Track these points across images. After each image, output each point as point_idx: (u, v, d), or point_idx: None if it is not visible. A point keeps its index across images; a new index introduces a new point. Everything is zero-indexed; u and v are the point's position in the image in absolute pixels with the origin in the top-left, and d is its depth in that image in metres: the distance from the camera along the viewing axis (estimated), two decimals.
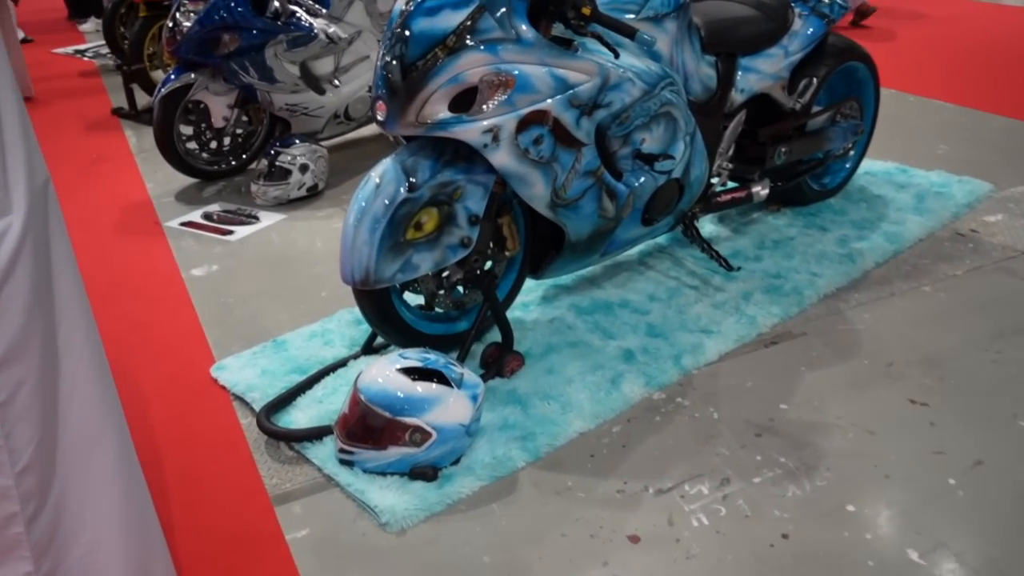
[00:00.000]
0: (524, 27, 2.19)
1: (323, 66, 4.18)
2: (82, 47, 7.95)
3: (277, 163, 3.92)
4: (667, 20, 2.59)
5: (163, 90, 3.98)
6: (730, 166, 3.05)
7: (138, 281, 3.34)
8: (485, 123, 2.19)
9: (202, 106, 4.11)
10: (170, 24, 3.94)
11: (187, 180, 4.31)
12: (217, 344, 2.84)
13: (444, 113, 2.19)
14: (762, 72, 3.00)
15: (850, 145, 3.49)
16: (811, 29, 3.12)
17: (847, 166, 3.58)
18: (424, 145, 2.33)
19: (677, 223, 2.95)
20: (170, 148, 4.07)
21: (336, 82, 4.24)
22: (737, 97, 2.95)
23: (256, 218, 3.85)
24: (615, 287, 2.99)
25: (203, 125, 4.17)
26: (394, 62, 2.19)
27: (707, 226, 3.39)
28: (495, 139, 2.21)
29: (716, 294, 2.91)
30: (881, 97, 3.64)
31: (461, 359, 2.47)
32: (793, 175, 3.33)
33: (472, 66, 2.17)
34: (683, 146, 2.66)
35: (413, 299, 2.63)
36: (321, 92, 4.20)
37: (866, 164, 3.90)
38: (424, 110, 2.18)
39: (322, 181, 4.03)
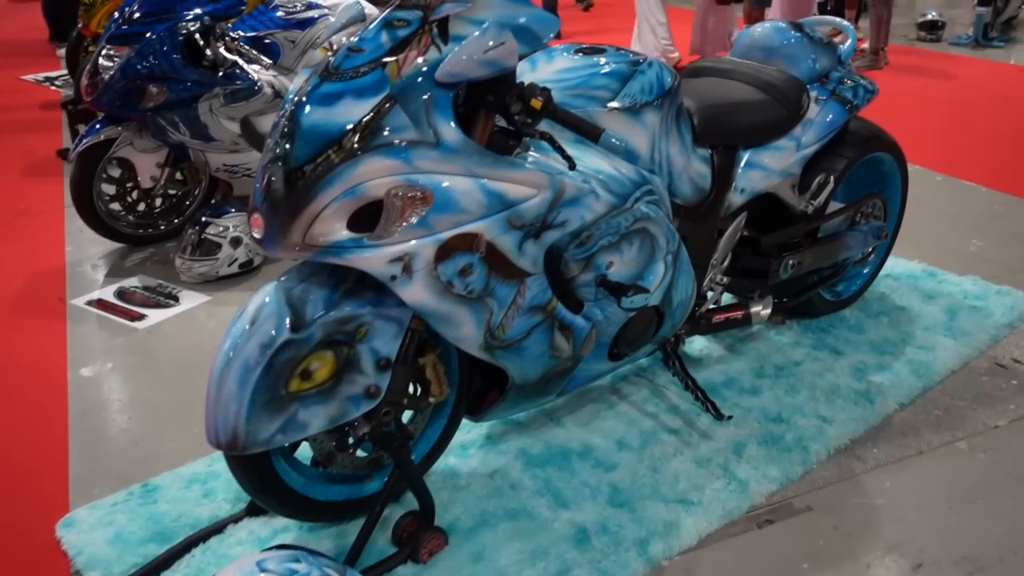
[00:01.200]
0: (448, 126, 1.65)
1: (268, 123, 3.65)
2: (53, 74, 7.49)
3: (205, 235, 3.38)
4: (648, 110, 2.05)
5: (81, 144, 3.46)
6: (726, 280, 2.50)
7: (13, 378, 2.80)
8: (392, 250, 1.65)
9: (128, 163, 3.60)
10: (89, 69, 3.43)
11: (112, 244, 3.78)
12: (78, 482, 2.28)
13: (340, 234, 1.66)
14: (768, 168, 2.46)
15: (871, 249, 2.93)
16: (830, 117, 2.58)
17: (866, 272, 3.03)
18: (318, 269, 1.79)
19: (656, 350, 2.40)
20: (88, 209, 3.56)
21: None
22: (736, 198, 2.41)
23: (175, 299, 3.31)
24: (577, 425, 2.43)
25: (128, 185, 3.66)
26: (277, 164, 1.65)
27: (696, 342, 2.83)
28: (406, 270, 1.67)
29: (701, 444, 2.35)
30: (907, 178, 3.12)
31: (364, 536, 1.91)
32: (803, 288, 2.77)
33: (376, 175, 1.63)
34: (662, 268, 2.11)
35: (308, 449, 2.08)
36: None
37: (888, 263, 3.34)
38: (313, 229, 1.64)
39: (258, 256, 3.50)
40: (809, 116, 2.55)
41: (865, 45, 6.76)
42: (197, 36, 3.34)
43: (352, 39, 1.75)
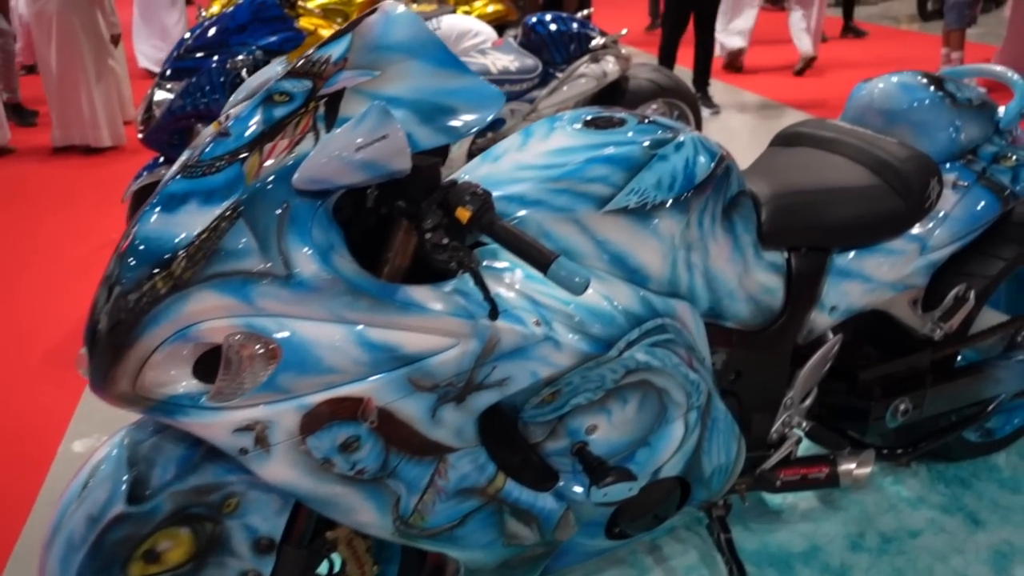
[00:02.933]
0: (303, 254, 1.16)
1: None
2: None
3: None
4: (666, 212, 1.46)
5: (135, 184, 3.24)
6: (806, 426, 1.84)
7: (10, 430, 2.57)
8: (237, 416, 1.18)
9: None
10: (144, 106, 3.20)
11: None
12: None
13: (177, 386, 1.21)
14: (874, 279, 1.79)
15: None
16: (975, 210, 1.86)
17: None
18: None
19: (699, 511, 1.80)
20: None
21: None
22: (823, 319, 1.76)
23: None
24: None
25: None
26: (104, 288, 1.23)
27: None
28: (260, 442, 1.20)
29: None
30: None
31: None
32: (929, 434, 2.05)
33: (208, 316, 1.17)
34: (679, 431, 1.51)
35: None
36: None
37: None
38: (144, 377, 1.20)
39: None
40: (942, 208, 1.84)
41: None
42: (244, 72, 3.03)
43: (228, 117, 1.30)
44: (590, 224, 1.42)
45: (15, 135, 5.68)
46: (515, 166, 1.48)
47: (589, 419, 1.41)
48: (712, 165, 1.52)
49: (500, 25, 5.10)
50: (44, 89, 5.37)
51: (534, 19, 3.77)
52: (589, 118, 1.57)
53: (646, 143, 1.48)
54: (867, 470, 1.86)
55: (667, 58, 5.78)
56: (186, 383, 1.22)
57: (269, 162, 1.18)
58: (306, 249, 1.14)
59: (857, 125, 1.95)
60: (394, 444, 1.25)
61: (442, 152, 1.44)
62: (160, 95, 3.17)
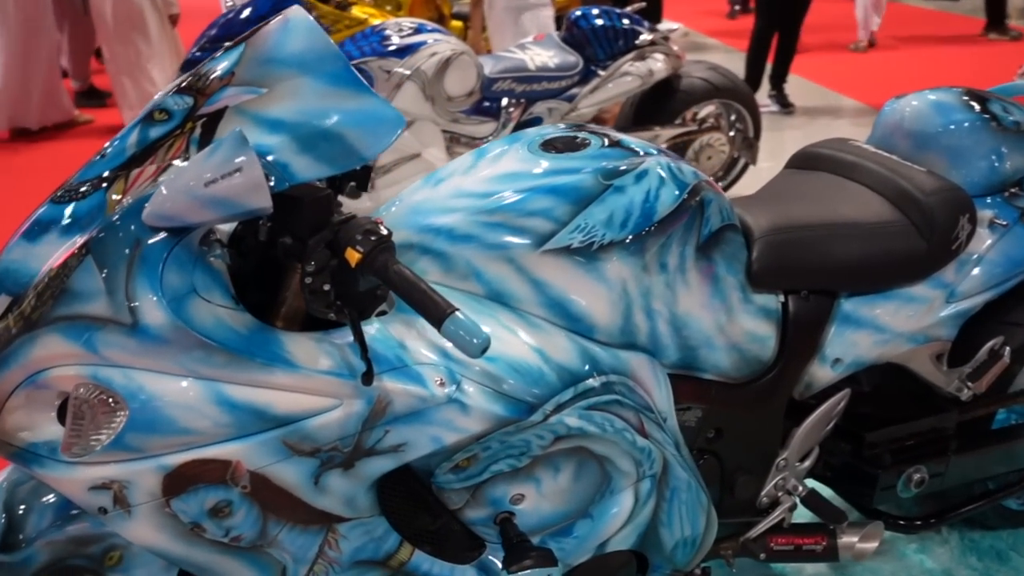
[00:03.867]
0: (151, 300, 1.01)
1: None
2: None
3: None
4: (617, 253, 1.27)
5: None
6: (802, 489, 1.62)
7: None
8: (91, 473, 1.06)
9: None
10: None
11: None
12: None
13: (39, 431, 1.09)
14: (888, 329, 1.55)
15: None
16: (1016, 253, 1.60)
17: None
18: None
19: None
20: None
21: (372, 185, 3.22)
22: (823, 373, 1.54)
23: None
24: None
25: None
26: None
27: None
28: (119, 502, 1.07)
29: None
30: None
31: None
32: (959, 504, 1.80)
33: (55, 361, 1.04)
34: (629, 502, 1.32)
35: None
36: (353, 196, 3.20)
37: None
38: (4, 421, 1.09)
39: None
40: (975, 250, 1.59)
41: None
42: None
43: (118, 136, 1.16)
44: (527, 264, 1.24)
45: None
46: (453, 192, 1.31)
47: (514, 487, 1.23)
48: (680, 197, 1.31)
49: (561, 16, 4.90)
50: (108, 71, 5.43)
51: (579, 13, 3.56)
52: (549, 138, 1.38)
53: (601, 172, 1.29)
54: (872, 545, 1.62)
55: (759, 51, 5.39)
56: (47, 430, 1.09)
57: (131, 191, 1.04)
58: (153, 295, 1.00)
59: (884, 148, 1.70)
60: (271, 511, 1.11)
61: (361, 178, 1.29)
62: None
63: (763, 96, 5.34)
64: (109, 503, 1.07)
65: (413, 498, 1.22)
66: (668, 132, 3.69)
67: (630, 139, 1.40)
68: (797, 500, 1.61)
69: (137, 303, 1.00)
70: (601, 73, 3.48)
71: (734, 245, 1.41)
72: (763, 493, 1.59)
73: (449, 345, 1.15)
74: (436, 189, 1.34)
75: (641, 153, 1.35)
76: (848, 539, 1.62)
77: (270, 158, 1.02)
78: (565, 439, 1.22)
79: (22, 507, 1.21)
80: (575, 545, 1.31)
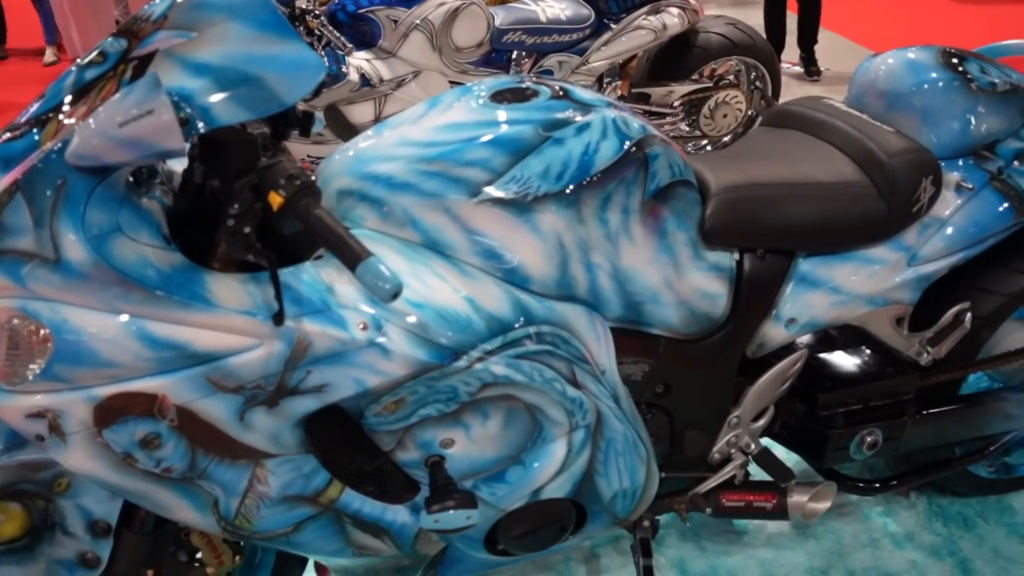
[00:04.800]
0: (71, 238, 1.05)
1: (361, 113, 3.20)
2: None
3: None
4: (551, 204, 1.27)
5: None
6: (754, 446, 1.62)
7: None
8: (26, 401, 1.11)
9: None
10: None
11: None
12: None
13: None
14: (845, 291, 1.54)
15: None
16: (982, 217, 1.57)
17: None
18: None
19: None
20: None
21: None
22: (778, 333, 1.53)
23: None
24: None
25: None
26: None
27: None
28: (55, 430, 1.12)
29: None
30: None
31: None
32: (922, 469, 1.79)
33: None
34: (562, 451, 1.34)
35: None
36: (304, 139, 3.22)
37: None
38: None
39: None
40: (939, 213, 1.56)
41: None
42: None
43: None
44: (462, 213, 1.25)
45: None
46: (398, 141, 1.32)
47: (443, 432, 1.26)
48: (620, 151, 1.31)
49: None
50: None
51: None
52: (499, 90, 1.38)
53: (542, 123, 1.29)
54: (823, 505, 1.63)
55: (774, 9, 5.16)
56: None
57: (61, 132, 1.08)
58: (75, 232, 1.04)
59: (858, 107, 1.67)
60: (200, 445, 1.15)
61: (303, 123, 1.31)
62: None
63: (794, 54, 5.18)
64: (45, 431, 1.12)
65: (346, 439, 1.26)
66: (683, 88, 3.64)
67: (581, 92, 1.40)
68: (747, 458, 1.63)
69: (60, 239, 1.04)
70: (614, 27, 3.43)
71: (686, 201, 1.41)
72: (715, 450, 1.60)
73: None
74: (382, 137, 1.35)
75: (588, 106, 1.35)
76: (799, 498, 1.64)
77: (192, 101, 1.04)
78: (492, 386, 1.24)
79: None
80: (508, 491, 1.34)
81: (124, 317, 1.07)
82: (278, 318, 1.07)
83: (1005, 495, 1.96)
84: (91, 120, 1.00)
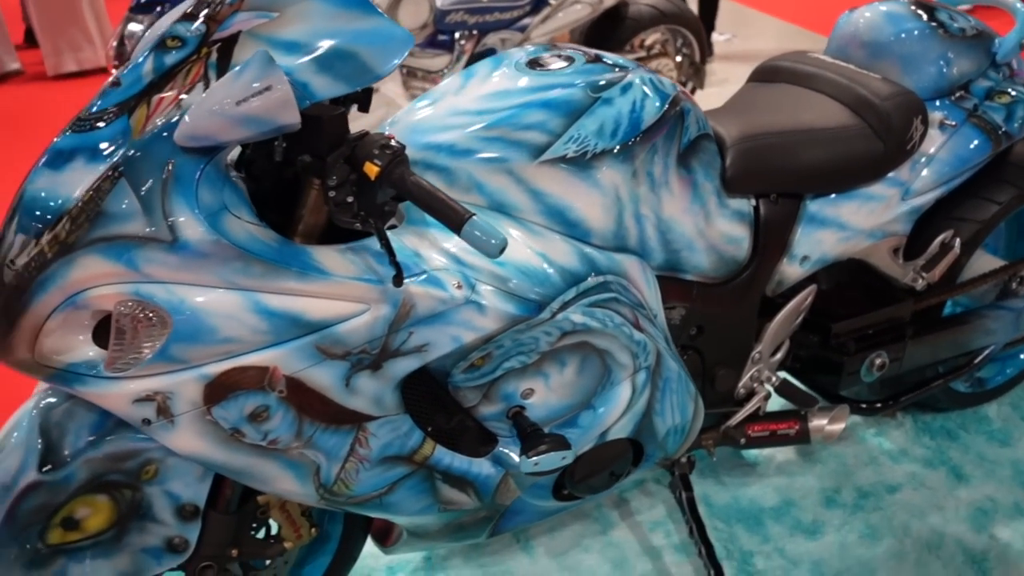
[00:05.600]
0: (189, 216, 1.07)
1: None
2: None
3: None
4: (608, 161, 1.35)
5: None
6: (775, 379, 1.75)
7: None
8: (135, 386, 1.12)
9: None
10: (117, 38, 3.09)
11: None
12: None
13: (76, 353, 1.15)
14: (849, 227, 1.67)
15: None
16: (963, 151, 1.73)
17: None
18: None
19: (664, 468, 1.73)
20: None
21: None
22: (793, 270, 1.65)
23: None
24: (549, 554, 1.82)
25: None
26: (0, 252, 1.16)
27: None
28: (163, 413, 1.14)
29: None
30: None
31: None
32: (912, 387, 1.96)
33: (95, 282, 1.09)
34: (625, 393, 1.43)
35: None
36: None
37: None
38: (41, 344, 1.14)
39: None
40: (927, 150, 1.71)
41: None
42: None
43: (125, 66, 1.20)
44: (525, 175, 1.32)
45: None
46: (449, 111, 1.38)
47: (524, 383, 1.33)
48: (663, 107, 1.40)
49: None
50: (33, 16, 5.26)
51: None
52: (533, 57, 1.45)
53: (589, 85, 1.37)
54: (839, 426, 1.77)
55: None
56: (85, 351, 1.15)
57: (155, 115, 1.09)
58: (191, 212, 1.06)
59: (841, 58, 1.81)
60: (307, 413, 1.19)
61: (363, 99, 1.35)
62: (133, 27, 3.06)
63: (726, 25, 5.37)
64: (153, 414, 1.14)
65: (431, 398, 1.31)
66: None
67: (607, 55, 1.48)
68: (771, 390, 1.75)
69: (175, 220, 1.06)
70: (552, 2, 3.52)
71: (709, 153, 1.51)
72: (740, 385, 1.72)
73: (460, 251, 1.23)
74: (431, 109, 1.40)
75: (622, 68, 1.43)
76: (818, 422, 1.77)
77: (292, 77, 1.07)
78: (570, 335, 1.31)
79: (57, 429, 1.26)
80: (580, 434, 1.42)
81: (242, 292, 1.09)
82: (397, 279, 1.12)
83: (980, 407, 2.15)
84: (200, 100, 1.02)
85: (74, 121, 1.17)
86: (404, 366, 1.21)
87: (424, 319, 1.19)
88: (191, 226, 1.06)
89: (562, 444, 1.30)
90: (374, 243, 1.19)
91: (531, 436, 1.31)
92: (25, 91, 5.23)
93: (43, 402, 1.29)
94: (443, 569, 1.78)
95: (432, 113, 1.39)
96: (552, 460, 1.30)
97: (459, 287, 1.20)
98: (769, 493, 1.94)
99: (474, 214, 1.05)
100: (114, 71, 3.07)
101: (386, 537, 1.58)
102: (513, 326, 1.25)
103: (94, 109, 1.15)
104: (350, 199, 1.12)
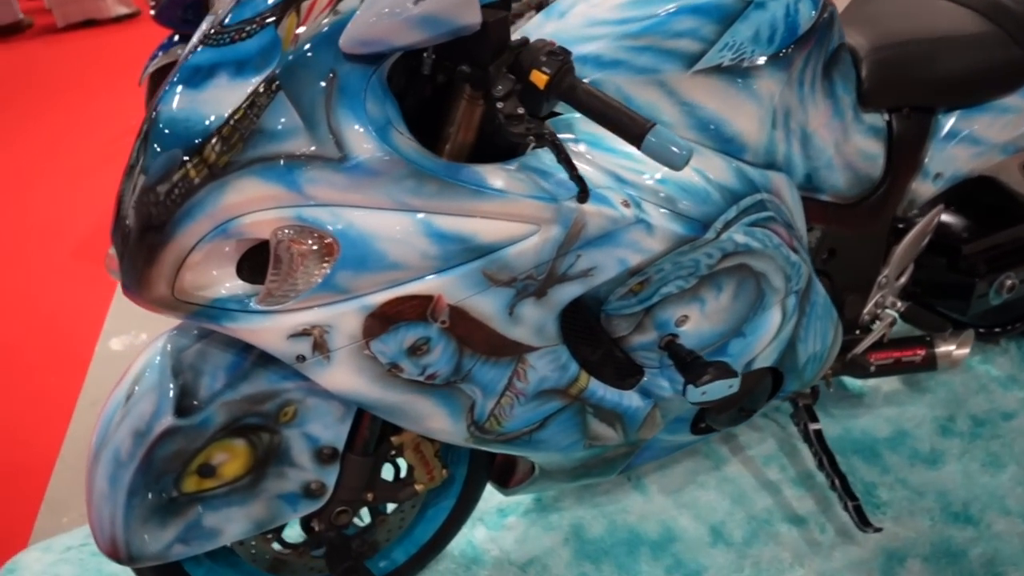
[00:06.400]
0: (357, 131, 0.98)
1: None
2: None
3: None
4: (766, 71, 1.26)
5: (152, 65, 3.05)
6: (900, 306, 1.68)
7: (33, 335, 2.48)
8: (291, 320, 1.04)
9: None
10: None
11: None
12: (52, 502, 1.92)
13: (221, 287, 1.07)
14: (984, 141, 1.58)
15: None
16: None
17: None
18: None
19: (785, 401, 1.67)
20: None
21: None
22: (925, 188, 1.57)
23: None
24: (663, 492, 1.76)
25: None
26: (130, 179, 1.07)
27: None
28: (319, 348, 1.06)
29: (836, 550, 1.61)
30: None
31: None
32: (1018, 313, 1.89)
33: (251, 208, 1.01)
34: (776, 319, 1.36)
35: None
36: None
37: None
38: (183, 279, 1.06)
39: None
40: None
41: None
42: None
43: None
44: (678, 87, 1.22)
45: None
46: (586, 21, 1.27)
47: (680, 309, 1.26)
48: (815, 12, 1.30)
49: None
50: None
51: None
52: None
53: None
54: (966, 351, 1.71)
55: None
56: (231, 284, 1.07)
57: (309, 23, 0.99)
58: (360, 126, 0.97)
59: None
60: (468, 345, 1.11)
61: (505, 6, 1.24)
62: None
63: None
64: (308, 350, 1.06)
65: (582, 328, 1.24)
66: None
67: None
68: (896, 315, 1.68)
69: (343, 135, 0.97)
70: None
71: (847, 64, 1.42)
72: (866, 311, 1.65)
73: (618, 168, 1.15)
74: (564, 21, 1.30)
75: None
76: (945, 348, 1.70)
77: None
78: (731, 256, 1.24)
79: (191, 371, 1.19)
80: (730, 364, 1.35)
81: (413, 214, 1.01)
82: (583, 195, 1.03)
83: None
84: (371, 2, 0.93)
85: (204, 36, 1.07)
86: (568, 292, 1.13)
87: (593, 240, 1.10)
88: (362, 141, 0.97)
89: (728, 372, 1.23)
90: (535, 160, 1.10)
91: (693, 365, 1.23)
92: (37, 46, 5.08)
93: (172, 344, 1.22)
94: (556, 510, 1.73)
95: (565, 25, 1.29)
96: (719, 388, 1.23)
97: (626, 205, 1.12)
98: (881, 424, 1.88)
99: (656, 123, 0.97)
100: (152, 11, 2.94)
101: (508, 479, 1.52)
102: (677, 248, 1.17)
103: (229, 22, 1.05)
104: (520, 110, 1.03)
